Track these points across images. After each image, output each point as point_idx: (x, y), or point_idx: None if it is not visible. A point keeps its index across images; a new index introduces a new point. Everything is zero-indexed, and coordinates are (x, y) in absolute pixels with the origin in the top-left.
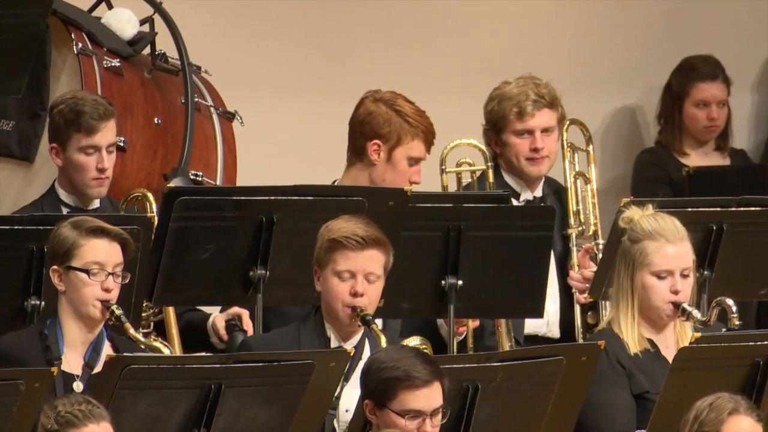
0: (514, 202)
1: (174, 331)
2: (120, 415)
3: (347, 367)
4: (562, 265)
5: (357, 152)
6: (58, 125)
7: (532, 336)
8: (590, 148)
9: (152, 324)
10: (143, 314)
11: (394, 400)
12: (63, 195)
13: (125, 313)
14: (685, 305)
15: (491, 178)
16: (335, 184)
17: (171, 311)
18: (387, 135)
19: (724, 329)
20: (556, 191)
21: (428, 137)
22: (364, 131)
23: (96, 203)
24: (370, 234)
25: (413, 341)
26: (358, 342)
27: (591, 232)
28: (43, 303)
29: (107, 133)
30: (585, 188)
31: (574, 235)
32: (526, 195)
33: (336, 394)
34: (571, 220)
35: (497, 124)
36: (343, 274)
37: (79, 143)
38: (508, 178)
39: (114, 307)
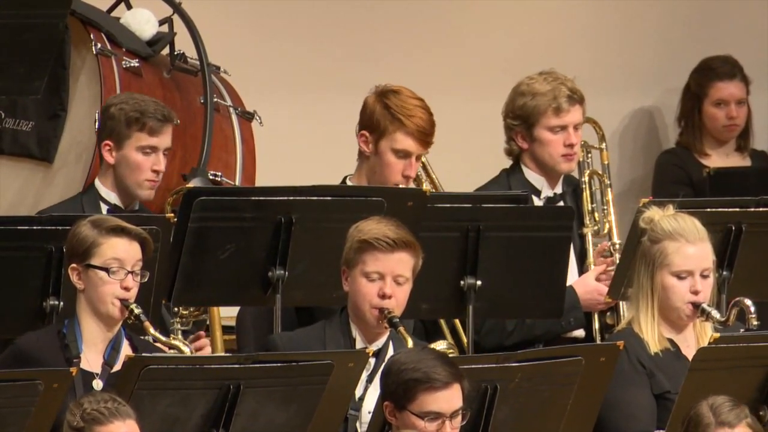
0: (535, 199)
1: (218, 333)
2: (139, 416)
3: (371, 369)
4: (582, 263)
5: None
6: (117, 122)
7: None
8: (603, 145)
9: (192, 323)
10: (185, 312)
11: (413, 401)
12: (104, 192)
13: (144, 312)
14: (704, 305)
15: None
16: (347, 178)
17: (216, 311)
18: (372, 126)
19: (742, 329)
20: (575, 188)
21: (415, 131)
22: (359, 122)
23: (136, 205)
24: (401, 236)
25: (440, 345)
26: (383, 344)
27: (606, 231)
28: (61, 303)
29: (166, 137)
30: (598, 187)
31: (589, 234)
32: (547, 192)
33: (359, 396)
34: (586, 219)
35: (529, 120)
36: (371, 275)
37: (139, 142)
38: (529, 175)
39: (133, 306)
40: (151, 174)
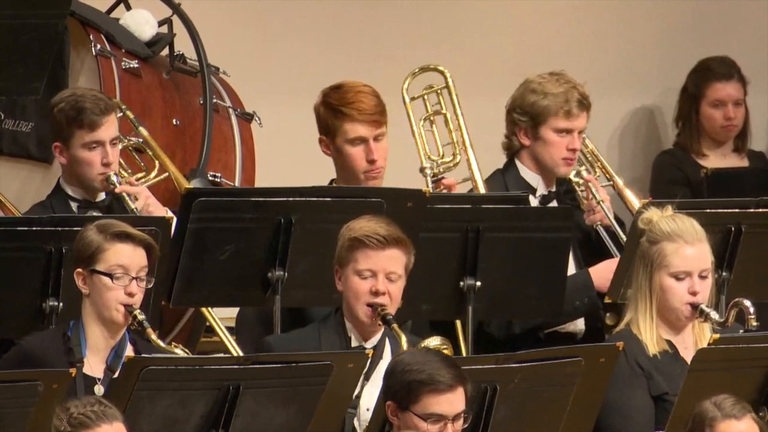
0: (531, 198)
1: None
2: (138, 416)
3: (368, 366)
4: (580, 257)
5: None
6: (60, 123)
7: (553, 333)
8: None
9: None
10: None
11: (417, 403)
12: (70, 190)
13: (147, 319)
14: (703, 306)
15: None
16: (333, 182)
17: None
18: (325, 129)
19: (741, 330)
20: (567, 184)
21: (358, 116)
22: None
23: (102, 195)
24: (392, 233)
25: (434, 341)
26: (378, 341)
27: (601, 174)
28: (61, 304)
29: (109, 128)
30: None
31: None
32: (542, 190)
33: (356, 393)
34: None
35: (538, 118)
36: (364, 272)
37: (82, 140)
38: (525, 173)
39: (137, 312)
40: (102, 168)
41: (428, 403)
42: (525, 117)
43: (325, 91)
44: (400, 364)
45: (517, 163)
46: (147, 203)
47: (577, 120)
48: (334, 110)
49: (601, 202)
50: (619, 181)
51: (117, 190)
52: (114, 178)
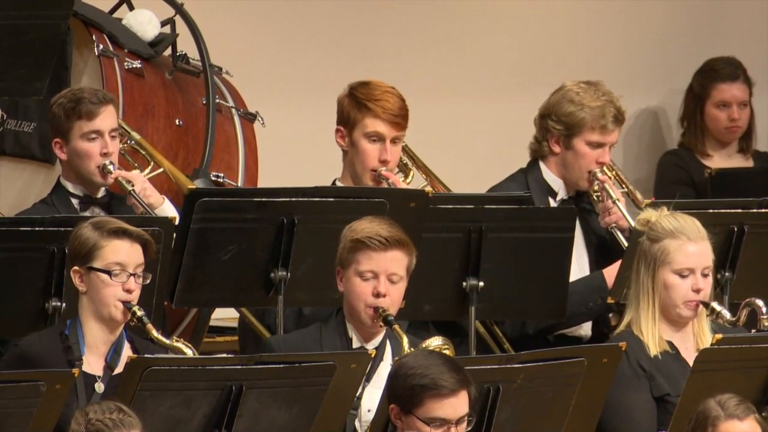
0: (551, 201)
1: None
2: (141, 417)
3: (369, 368)
4: (591, 260)
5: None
6: (58, 118)
7: (560, 335)
8: None
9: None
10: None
11: (420, 407)
12: (70, 187)
13: (147, 314)
14: (714, 304)
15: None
16: (336, 181)
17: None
18: (344, 119)
19: (754, 330)
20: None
21: (382, 114)
22: (337, 121)
23: (102, 190)
24: (393, 235)
25: (435, 341)
26: (379, 343)
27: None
28: (64, 304)
29: (107, 118)
30: None
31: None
32: (562, 194)
33: (357, 394)
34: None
35: (573, 129)
36: (365, 274)
37: (81, 130)
38: (548, 175)
39: (135, 308)
40: (101, 159)
41: (431, 407)
42: (560, 126)
43: (352, 84)
44: (403, 368)
45: (541, 165)
46: (144, 187)
47: (610, 135)
48: (359, 103)
49: (617, 201)
50: (638, 195)
51: (113, 176)
52: (110, 167)
